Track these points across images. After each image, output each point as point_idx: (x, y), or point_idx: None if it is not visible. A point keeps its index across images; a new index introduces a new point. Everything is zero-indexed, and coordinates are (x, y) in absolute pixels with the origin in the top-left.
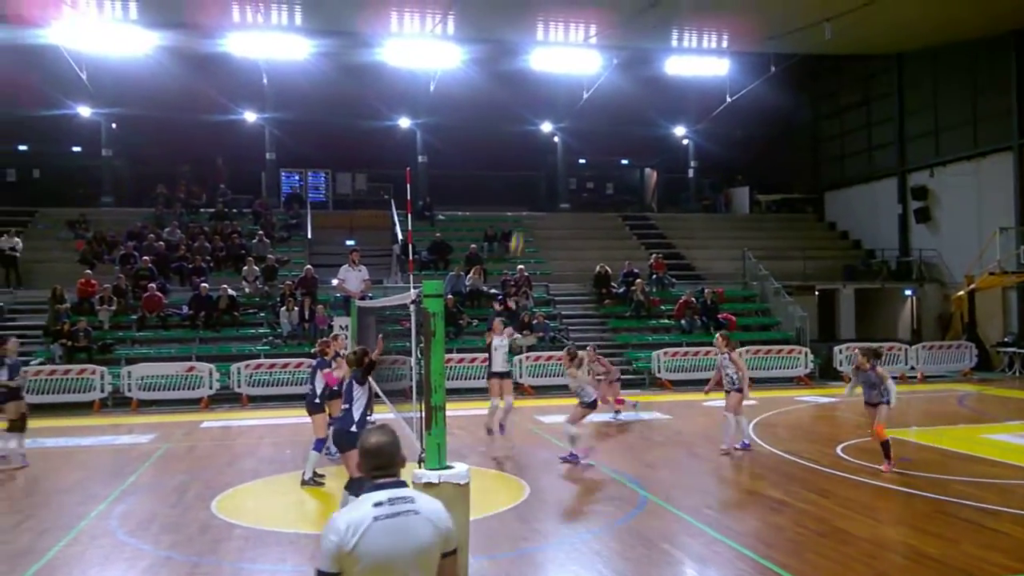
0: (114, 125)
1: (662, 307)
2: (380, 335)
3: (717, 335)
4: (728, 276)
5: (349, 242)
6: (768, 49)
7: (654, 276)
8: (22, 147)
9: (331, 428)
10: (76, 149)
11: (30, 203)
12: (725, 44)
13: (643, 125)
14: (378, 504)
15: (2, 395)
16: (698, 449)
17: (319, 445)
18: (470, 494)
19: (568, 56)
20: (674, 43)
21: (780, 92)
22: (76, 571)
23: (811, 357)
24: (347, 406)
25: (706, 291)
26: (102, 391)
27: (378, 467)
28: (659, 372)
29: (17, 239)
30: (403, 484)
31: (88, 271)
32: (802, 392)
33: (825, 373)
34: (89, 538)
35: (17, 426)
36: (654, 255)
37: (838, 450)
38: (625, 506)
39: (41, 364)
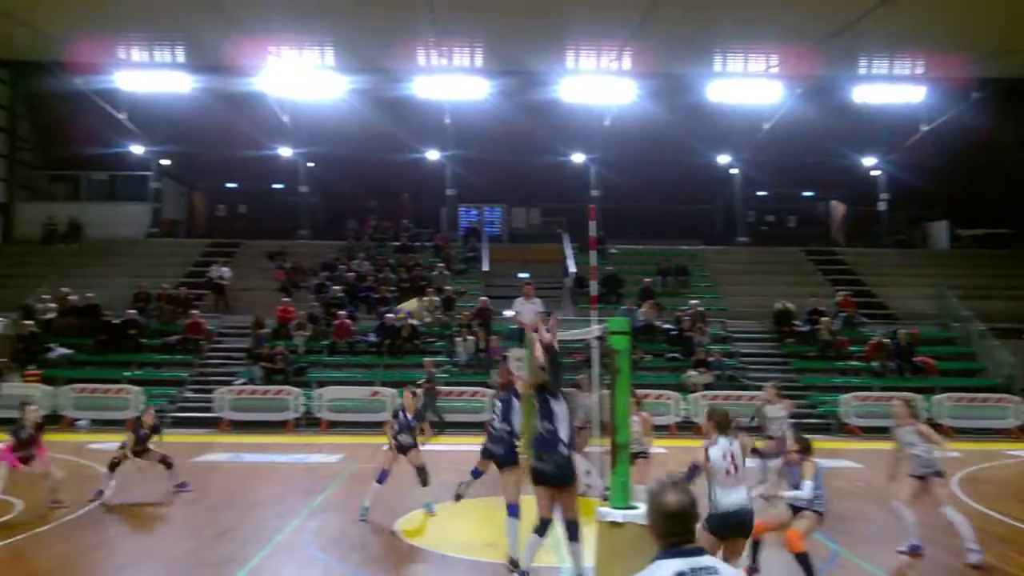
0: (311, 164)
1: (851, 348)
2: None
3: (897, 403)
4: (925, 316)
5: (523, 275)
6: (970, 74)
7: (842, 314)
8: (230, 185)
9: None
10: (277, 186)
11: (237, 236)
12: (921, 71)
13: (828, 156)
14: (680, 574)
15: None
16: (893, 501)
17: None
18: None
19: (747, 87)
20: (863, 71)
21: (983, 118)
22: None
23: (1023, 408)
24: (552, 428)
25: (900, 332)
26: (295, 411)
27: (676, 531)
28: (847, 417)
29: (225, 268)
30: (703, 551)
31: (286, 299)
32: (1013, 446)
33: None
34: (285, 551)
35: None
36: (841, 292)
37: None
38: (815, 560)
39: (243, 384)
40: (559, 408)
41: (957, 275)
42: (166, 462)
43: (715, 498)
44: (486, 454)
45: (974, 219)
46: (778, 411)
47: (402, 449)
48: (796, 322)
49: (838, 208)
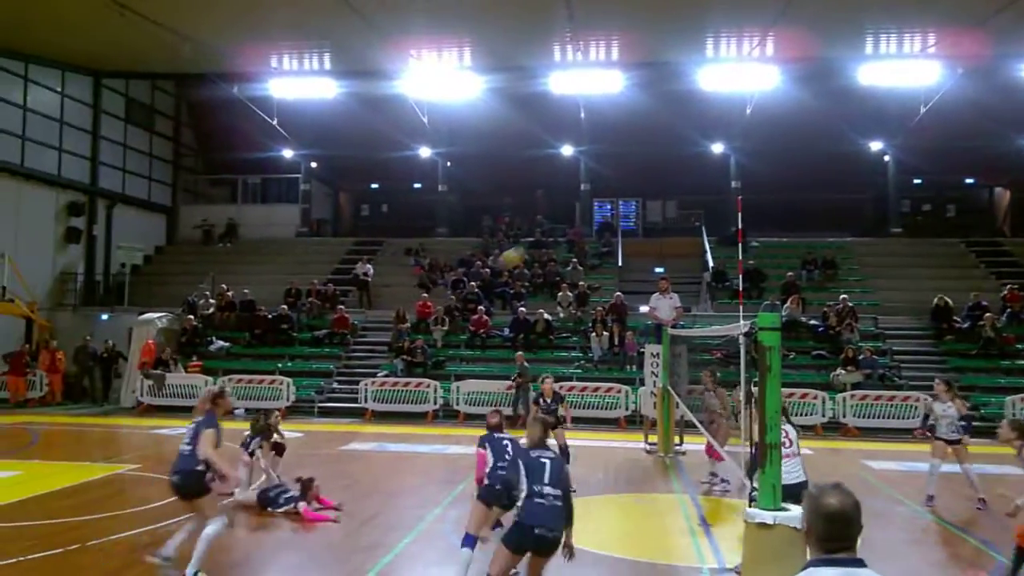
0: (448, 163)
1: (1018, 346)
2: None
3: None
4: None
5: (658, 269)
6: None
7: (1008, 310)
8: (374, 185)
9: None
10: (417, 185)
11: (379, 234)
12: None
13: (992, 139)
14: None
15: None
16: None
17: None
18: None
19: (902, 68)
20: None
21: None
22: (419, 567)
23: None
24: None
25: None
26: (435, 403)
27: (835, 537)
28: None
29: (369, 266)
30: (861, 563)
31: (425, 295)
32: None
33: None
34: (428, 538)
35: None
36: (1008, 286)
37: None
38: (977, 571)
39: (386, 376)
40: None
41: None
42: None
43: None
44: None
45: None
46: (947, 409)
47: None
48: (956, 318)
49: (1003, 196)
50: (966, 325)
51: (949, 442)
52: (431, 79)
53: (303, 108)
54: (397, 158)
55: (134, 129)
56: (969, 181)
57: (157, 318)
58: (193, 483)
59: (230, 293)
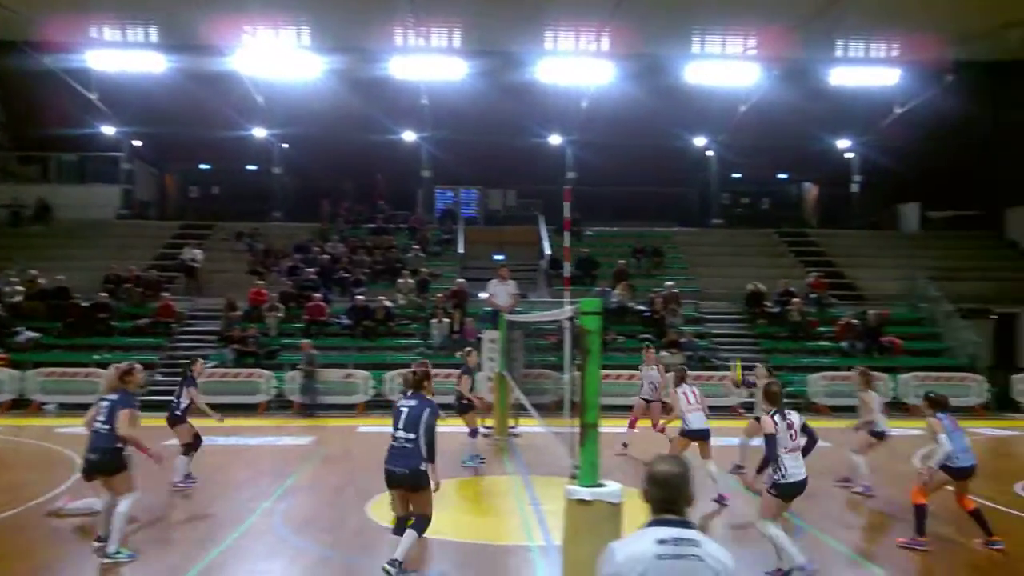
0: (284, 145)
1: (820, 328)
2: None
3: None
4: (894, 297)
5: (498, 257)
6: (945, 57)
7: (813, 296)
8: (203, 166)
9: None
10: (250, 167)
11: (209, 217)
12: (896, 53)
13: (803, 138)
14: (662, 541)
15: (177, 418)
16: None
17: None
18: (622, 514)
19: (724, 69)
20: (839, 53)
21: (955, 101)
22: (247, 562)
23: (986, 386)
24: (413, 437)
25: (870, 313)
26: (267, 394)
27: (664, 500)
28: (816, 397)
29: (197, 251)
30: (689, 524)
31: (259, 281)
32: (976, 423)
33: (1002, 404)
34: (257, 532)
35: (189, 449)
36: (813, 274)
37: (1017, 488)
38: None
39: (214, 367)
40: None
41: (926, 256)
42: (190, 448)
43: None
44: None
45: (944, 201)
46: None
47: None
48: (767, 303)
49: (811, 190)
50: (776, 310)
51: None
52: (267, 57)
53: (126, 83)
54: (230, 138)
55: None
56: (782, 176)
57: None
58: (112, 460)
59: (41, 280)
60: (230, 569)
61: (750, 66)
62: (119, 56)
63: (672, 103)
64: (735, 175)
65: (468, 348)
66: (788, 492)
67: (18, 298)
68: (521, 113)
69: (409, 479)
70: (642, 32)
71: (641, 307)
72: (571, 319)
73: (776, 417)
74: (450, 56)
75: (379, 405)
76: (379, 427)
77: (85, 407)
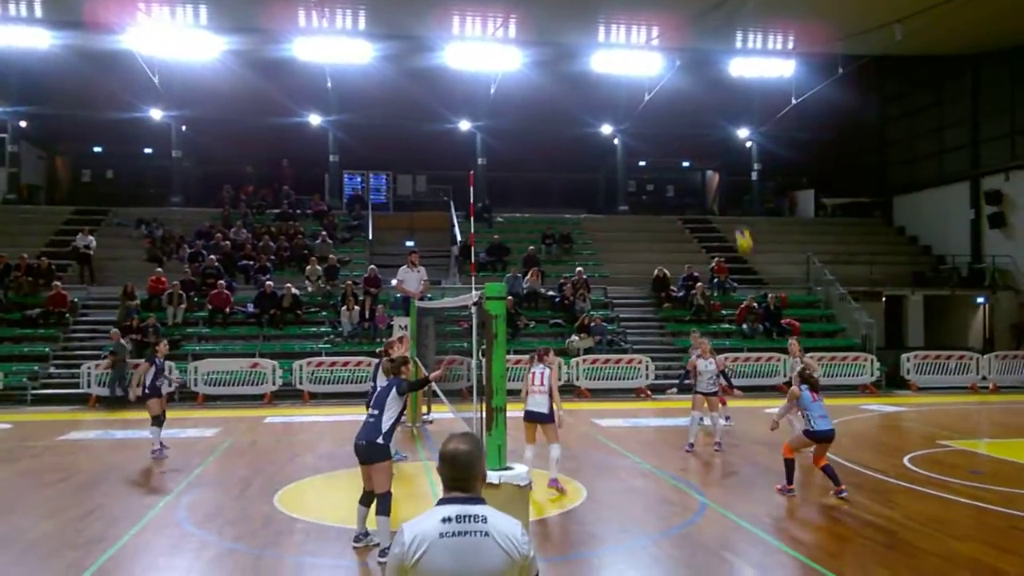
0: (184, 127)
1: (723, 311)
2: (444, 360)
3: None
4: (792, 281)
5: (409, 243)
6: (836, 50)
7: (715, 280)
8: (96, 149)
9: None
10: (147, 151)
11: (103, 202)
12: (791, 46)
13: (705, 127)
14: (447, 519)
15: (147, 394)
16: (759, 457)
17: None
18: (528, 496)
19: (630, 58)
20: (738, 44)
21: (847, 93)
22: (145, 559)
23: (877, 365)
24: (377, 413)
25: (769, 296)
26: (169, 385)
27: (452, 478)
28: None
29: (91, 237)
30: (478, 500)
31: (158, 269)
32: (867, 400)
33: (892, 382)
34: (157, 527)
35: (159, 421)
36: (716, 259)
37: (905, 461)
38: (684, 512)
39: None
40: (394, 402)
41: (821, 242)
42: (160, 420)
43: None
44: None
45: (837, 189)
46: (708, 365)
47: None
48: (672, 287)
49: (713, 178)
50: (681, 294)
51: (706, 395)
52: (162, 36)
53: (9, 60)
54: (124, 120)
55: None
56: (686, 164)
57: None
58: None
59: None
60: (128, 567)
61: (654, 56)
62: (0, 31)
63: (579, 91)
64: (641, 162)
65: (398, 337)
66: (815, 437)
67: None
68: (430, 98)
69: (364, 450)
70: (548, 20)
71: (551, 292)
72: (476, 304)
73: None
74: (355, 38)
75: (286, 395)
76: (287, 418)
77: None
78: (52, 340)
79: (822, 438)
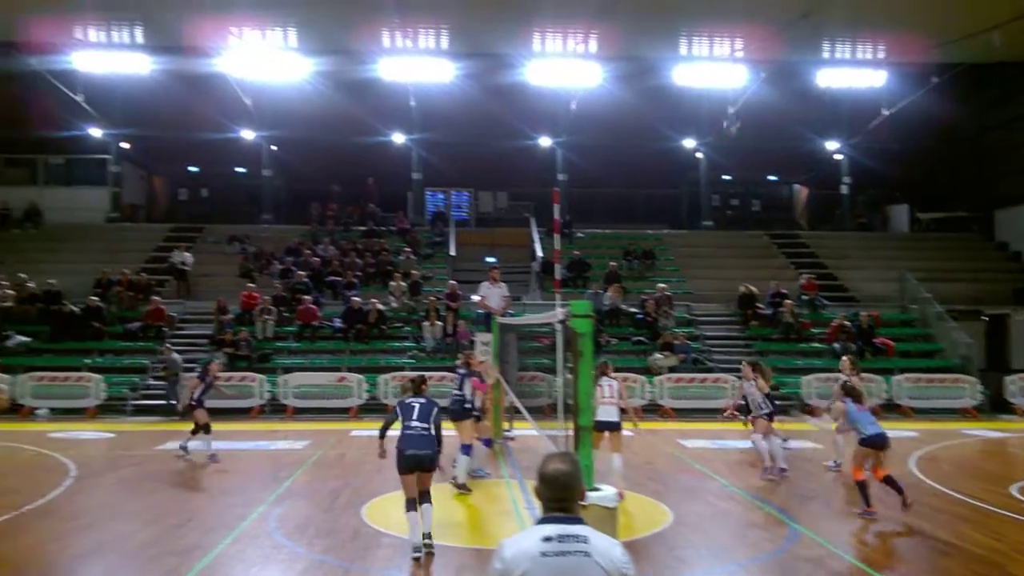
0: (274, 147)
1: (813, 330)
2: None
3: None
4: (885, 299)
5: (490, 259)
6: (930, 59)
7: (804, 297)
8: (192, 168)
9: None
10: (240, 170)
11: (199, 220)
12: (882, 55)
13: (792, 140)
14: (547, 539)
15: (194, 405)
16: (851, 480)
17: (467, 449)
18: (616, 519)
19: (713, 71)
20: (826, 55)
21: (943, 103)
22: (239, 568)
23: (979, 388)
24: (428, 426)
25: (861, 314)
26: (260, 398)
27: (552, 498)
28: (809, 398)
29: (187, 254)
30: (578, 520)
31: (250, 284)
32: (969, 425)
33: (995, 405)
34: (250, 538)
35: (207, 428)
36: (804, 275)
37: (1012, 490)
38: (775, 538)
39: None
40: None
41: (916, 258)
42: (207, 428)
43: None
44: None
45: (933, 203)
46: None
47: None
48: (760, 305)
49: (801, 192)
50: (768, 311)
51: (758, 418)
52: (254, 59)
53: (113, 84)
54: (218, 140)
55: None
56: (772, 178)
57: None
58: None
59: (31, 283)
60: (224, 575)
61: (738, 68)
62: (105, 57)
63: (661, 105)
64: (725, 177)
65: (479, 361)
66: (871, 443)
67: (8, 302)
68: (511, 115)
69: (432, 460)
70: (629, 34)
71: (633, 309)
72: (563, 322)
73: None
74: (438, 58)
75: (372, 409)
76: (373, 431)
77: (76, 412)
78: (151, 353)
79: (878, 444)
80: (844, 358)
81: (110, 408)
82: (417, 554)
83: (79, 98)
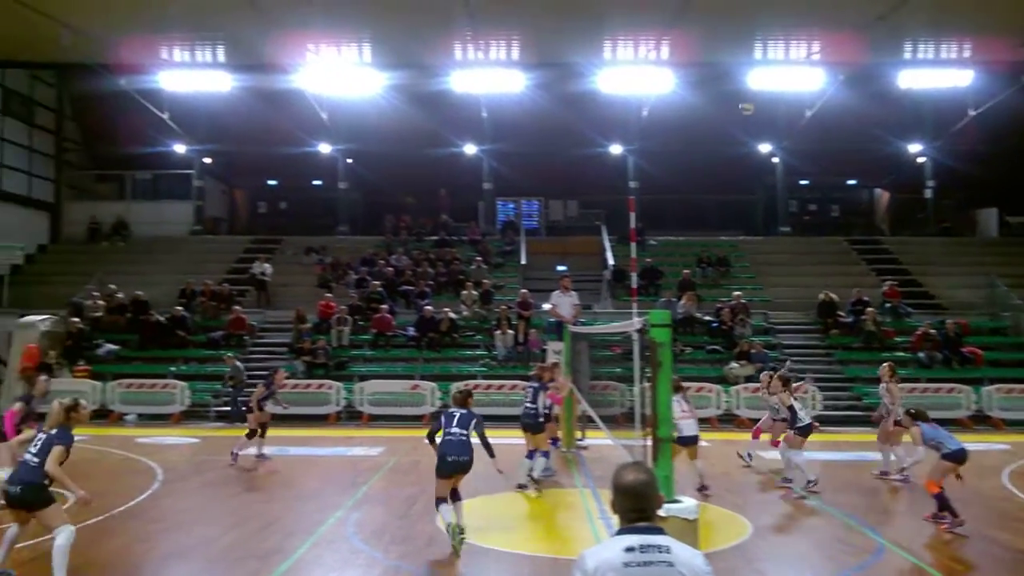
0: (349, 160)
1: (896, 339)
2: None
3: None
4: (973, 306)
5: (560, 268)
6: (1020, 57)
7: (887, 305)
8: (271, 182)
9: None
10: (316, 183)
11: (277, 232)
12: (967, 55)
13: (872, 143)
14: (630, 549)
15: (249, 409)
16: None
17: (545, 454)
18: (697, 530)
19: (788, 74)
20: (907, 55)
21: None
22: (317, 573)
23: None
24: (466, 433)
25: (947, 322)
26: (337, 405)
27: (632, 508)
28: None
29: (267, 265)
30: (659, 531)
31: (327, 294)
32: None
33: None
34: (328, 542)
35: (253, 433)
36: (887, 282)
37: None
38: (859, 553)
39: (286, 379)
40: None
41: (1006, 263)
42: (264, 428)
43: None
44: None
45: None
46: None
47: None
48: (840, 313)
49: (883, 196)
50: (850, 319)
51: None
52: (330, 75)
53: (196, 102)
54: (296, 154)
55: (12, 122)
56: (851, 182)
57: (40, 320)
58: (37, 496)
59: (120, 294)
60: None
61: (815, 71)
62: (188, 76)
63: (735, 110)
64: (802, 181)
65: (552, 363)
66: (954, 457)
67: (99, 312)
68: (581, 123)
69: (470, 465)
70: (703, 40)
71: (708, 317)
72: (640, 331)
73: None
74: (509, 68)
75: None
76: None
77: (162, 417)
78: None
79: (960, 458)
80: (884, 365)
81: (193, 414)
82: (461, 535)
83: (165, 116)
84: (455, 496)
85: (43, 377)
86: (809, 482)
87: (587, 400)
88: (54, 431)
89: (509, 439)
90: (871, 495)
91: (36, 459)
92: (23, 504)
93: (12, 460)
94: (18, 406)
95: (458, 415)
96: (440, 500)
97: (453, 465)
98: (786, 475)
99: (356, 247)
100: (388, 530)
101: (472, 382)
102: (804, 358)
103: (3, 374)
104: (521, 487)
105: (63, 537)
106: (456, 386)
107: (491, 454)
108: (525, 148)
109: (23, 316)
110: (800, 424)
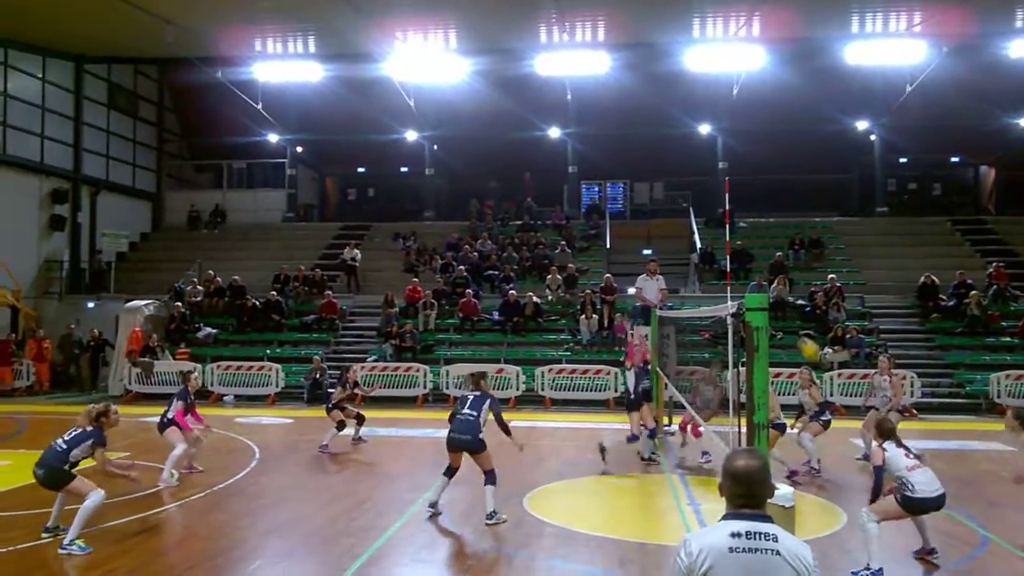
0: (435, 146)
1: (1003, 323)
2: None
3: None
4: None
5: (646, 251)
6: None
7: (993, 288)
8: (360, 169)
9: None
10: (403, 169)
11: (366, 218)
12: None
13: (979, 118)
14: (735, 535)
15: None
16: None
17: (651, 432)
18: (794, 518)
19: (887, 47)
20: (1019, 24)
21: None
22: (410, 550)
23: None
24: (475, 415)
25: None
26: (424, 387)
27: (742, 494)
28: (998, 397)
29: (356, 251)
30: (767, 518)
31: (414, 279)
32: None
33: None
34: (419, 521)
35: (342, 426)
36: (993, 264)
37: None
38: (962, 546)
39: (375, 361)
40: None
41: None
42: (360, 418)
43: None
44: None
45: None
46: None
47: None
48: (942, 296)
49: (989, 174)
50: (952, 303)
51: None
52: (417, 62)
53: (288, 92)
54: (383, 142)
55: (117, 115)
56: (955, 159)
57: (144, 305)
58: (59, 478)
59: (218, 279)
60: (396, 556)
61: (915, 43)
62: (281, 67)
63: (830, 85)
64: (902, 159)
65: (634, 344)
66: (913, 506)
67: (198, 297)
68: (667, 104)
69: (471, 443)
70: (795, 15)
71: (801, 301)
72: (735, 315)
73: (886, 445)
74: (594, 50)
75: (529, 400)
76: (530, 422)
77: (259, 399)
78: (324, 344)
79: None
80: (882, 357)
81: (288, 395)
82: (432, 511)
83: (259, 106)
84: (487, 479)
85: (195, 375)
86: (813, 469)
87: (675, 385)
88: (88, 429)
89: (595, 424)
90: (973, 485)
91: (64, 445)
92: (48, 484)
93: (195, 442)
94: (180, 405)
95: (471, 397)
96: (448, 469)
97: (453, 441)
98: (812, 465)
99: (442, 232)
100: (476, 512)
101: (557, 366)
102: (902, 343)
103: (111, 356)
104: (649, 459)
105: (92, 500)
106: (548, 367)
107: (507, 433)
108: (609, 130)
109: (128, 301)
110: (825, 419)
